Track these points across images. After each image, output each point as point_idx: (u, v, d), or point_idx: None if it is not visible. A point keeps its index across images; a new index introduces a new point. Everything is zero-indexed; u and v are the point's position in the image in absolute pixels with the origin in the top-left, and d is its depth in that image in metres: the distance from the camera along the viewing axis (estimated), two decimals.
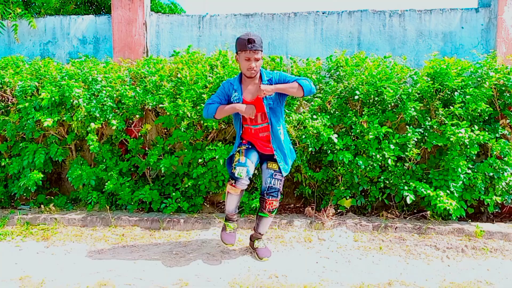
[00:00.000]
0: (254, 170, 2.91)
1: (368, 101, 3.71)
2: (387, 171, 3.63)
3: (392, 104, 3.67)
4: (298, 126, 3.62)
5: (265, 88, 2.70)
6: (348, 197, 3.74)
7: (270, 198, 2.84)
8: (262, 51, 2.76)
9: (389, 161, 3.50)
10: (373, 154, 3.52)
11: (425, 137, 3.64)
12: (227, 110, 2.85)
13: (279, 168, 2.86)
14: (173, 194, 3.86)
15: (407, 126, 3.62)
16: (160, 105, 3.76)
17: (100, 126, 3.93)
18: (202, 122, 3.74)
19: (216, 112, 2.86)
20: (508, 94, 3.66)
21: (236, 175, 2.75)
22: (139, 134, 4.08)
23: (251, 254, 3.06)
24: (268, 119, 2.85)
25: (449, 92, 3.68)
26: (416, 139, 3.54)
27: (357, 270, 2.80)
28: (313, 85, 2.86)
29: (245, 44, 2.69)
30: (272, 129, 2.86)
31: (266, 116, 2.86)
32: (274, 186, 2.84)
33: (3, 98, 4.22)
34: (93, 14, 5.29)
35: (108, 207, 3.92)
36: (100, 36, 4.85)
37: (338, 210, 3.78)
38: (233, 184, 2.77)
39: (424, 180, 3.66)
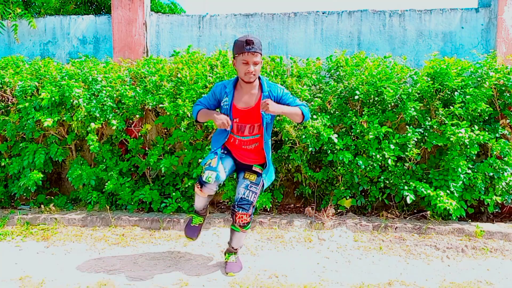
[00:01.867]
0: (226, 178, 2.68)
1: (368, 101, 3.71)
2: (387, 171, 3.63)
3: (392, 104, 3.67)
4: (298, 126, 3.62)
5: (271, 108, 2.43)
6: (348, 197, 3.74)
7: (240, 211, 2.57)
8: (261, 54, 2.53)
9: (389, 161, 3.50)
10: (373, 154, 3.52)
11: (425, 137, 3.63)
12: (208, 116, 2.64)
13: (256, 180, 2.62)
14: (173, 194, 3.86)
15: (407, 126, 3.62)
16: (160, 105, 3.77)
17: (100, 126, 3.93)
18: None
19: (198, 116, 2.68)
20: (508, 94, 3.66)
21: (204, 179, 2.53)
22: (139, 134, 4.08)
23: (251, 254, 3.06)
24: (262, 133, 2.64)
25: (449, 92, 3.68)
26: (416, 139, 3.54)
27: (357, 270, 2.80)
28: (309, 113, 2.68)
29: (243, 46, 2.45)
30: (265, 143, 2.66)
31: (256, 129, 2.64)
32: (247, 198, 2.57)
33: (3, 98, 4.22)
34: (93, 14, 5.29)
35: (108, 207, 3.92)
36: (100, 36, 4.85)
37: (338, 210, 3.78)
38: (200, 189, 2.58)
39: (424, 180, 3.66)
